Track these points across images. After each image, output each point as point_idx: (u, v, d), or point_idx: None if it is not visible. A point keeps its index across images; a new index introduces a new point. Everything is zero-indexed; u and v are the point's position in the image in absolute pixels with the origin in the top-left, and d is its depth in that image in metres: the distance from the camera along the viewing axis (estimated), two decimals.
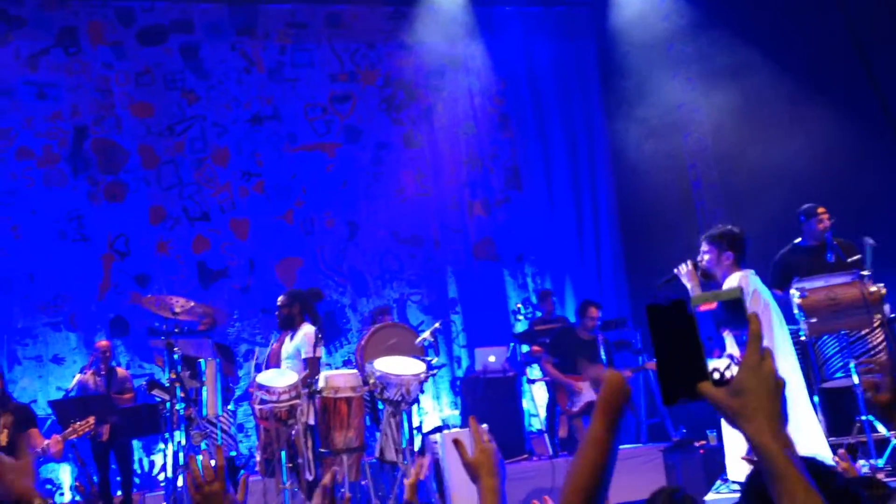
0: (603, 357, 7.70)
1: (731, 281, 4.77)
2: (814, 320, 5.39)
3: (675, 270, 4.97)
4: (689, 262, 4.96)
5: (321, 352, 6.03)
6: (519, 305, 9.47)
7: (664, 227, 9.07)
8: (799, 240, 6.35)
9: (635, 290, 9.92)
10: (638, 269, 9.67)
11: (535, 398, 8.73)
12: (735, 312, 1.17)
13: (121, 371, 7.72)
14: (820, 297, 5.38)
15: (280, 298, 6.35)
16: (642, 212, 9.58)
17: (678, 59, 9.55)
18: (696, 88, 9.52)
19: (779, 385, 1.12)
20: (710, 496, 5.08)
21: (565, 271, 10.30)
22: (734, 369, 1.13)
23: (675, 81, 9.61)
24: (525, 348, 8.68)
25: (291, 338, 6.21)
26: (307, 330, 6.07)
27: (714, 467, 5.96)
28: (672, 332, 1.14)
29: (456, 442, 1.97)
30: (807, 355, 5.61)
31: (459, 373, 9.62)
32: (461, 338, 9.94)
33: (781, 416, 1.11)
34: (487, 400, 7.91)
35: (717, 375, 1.13)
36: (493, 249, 10.33)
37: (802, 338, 5.57)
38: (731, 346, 4.63)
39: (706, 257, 4.96)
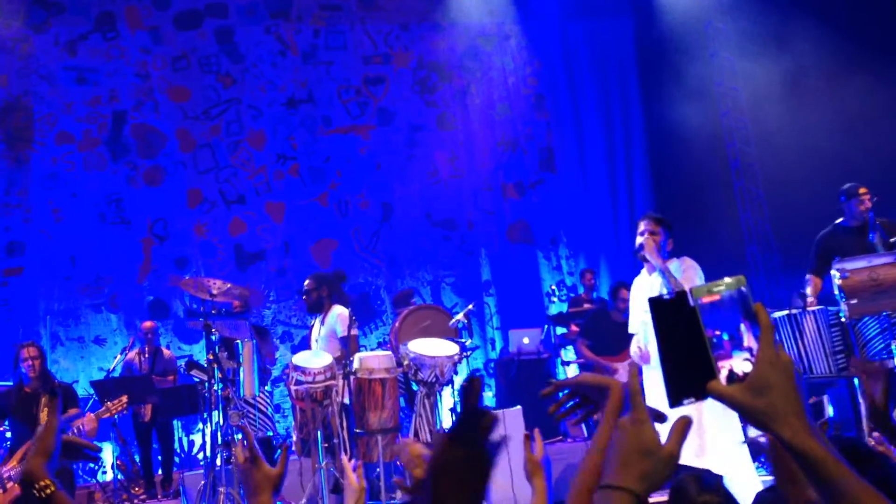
0: None
1: (682, 264, 4.65)
2: (854, 301, 5.28)
3: (641, 239, 4.65)
4: (647, 236, 4.62)
5: (356, 331, 6.06)
6: (553, 287, 9.44)
7: (702, 207, 8.95)
8: (840, 220, 6.22)
9: None
10: (674, 251, 9.56)
11: None
12: (742, 303, 1.08)
13: (166, 352, 7.88)
14: (862, 277, 5.26)
15: (306, 283, 6.32)
16: (679, 192, 9.46)
17: (716, 38, 9.39)
18: (734, 67, 9.36)
19: (796, 377, 1.03)
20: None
21: (600, 253, 10.22)
22: (745, 365, 1.04)
23: (714, 60, 9.46)
24: (561, 330, 8.64)
25: (322, 321, 6.24)
26: (339, 311, 6.09)
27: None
28: (675, 327, 1.06)
29: (527, 436, 1.98)
30: (847, 336, 5.50)
31: (493, 355, 9.63)
32: (495, 320, 9.94)
33: (806, 410, 1.01)
34: (521, 381, 7.91)
35: (725, 372, 1.03)
36: (527, 232, 10.29)
37: (843, 319, 5.47)
38: (749, 340, 4.58)
39: (657, 238, 4.65)
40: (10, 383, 6.90)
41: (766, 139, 8.99)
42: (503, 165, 10.39)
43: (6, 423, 5.52)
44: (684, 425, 1.03)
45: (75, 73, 9.47)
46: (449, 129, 10.32)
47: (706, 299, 1.06)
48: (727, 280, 1.09)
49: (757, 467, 5.21)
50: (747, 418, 1.04)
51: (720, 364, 1.04)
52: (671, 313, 1.07)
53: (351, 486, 2.19)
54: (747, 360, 1.05)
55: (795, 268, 5.92)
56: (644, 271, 4.83)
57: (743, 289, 1.08)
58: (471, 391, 1.03)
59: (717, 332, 1.08)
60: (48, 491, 1.25)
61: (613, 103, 10.47)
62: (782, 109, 8.59)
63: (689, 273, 4.55)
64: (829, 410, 6.85)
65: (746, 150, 9.53)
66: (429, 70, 10.36)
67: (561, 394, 1.73)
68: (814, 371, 5.59)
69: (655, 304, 1.07)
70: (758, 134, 9.28)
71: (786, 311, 5.69)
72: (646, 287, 4.83)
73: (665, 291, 4.43)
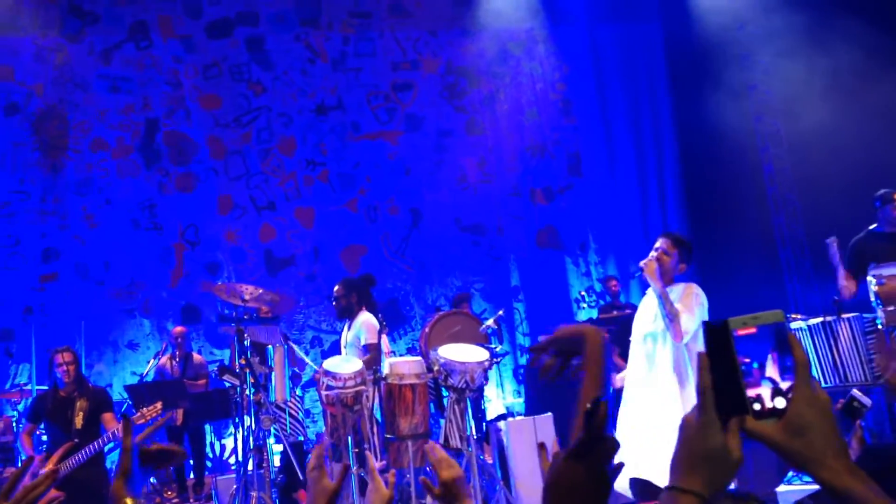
0: None
1: (684, 290, 4.43)
2: (891, 308, 5.20)
3: (641, 264, 4.46)
4: (652, 258, 4.43)
5: (386, 341, 6.07)
6: (582, 293, 9.40)
7: (734, 213, 8.87)
8: (874, 226, 6.11)
9: (703, 276, 9.69)
10: (706, 256, 9.46)
11: None
12: (777, 337, 1.08)
13: (197, 357, 7.96)
14: None
15: (336, 289, 6.31)
16: (711, 197, 9.37)
17: (749, 42, 9.29)
18: (767, 70, 9.25)
19: (832, 414, 1.01)
20: (782, 488, 4.96)
21: (630, 259, 10.14)
22: (779, 400, 1.02)
23: (746, 63, 9.36)
24: None
25: (349, 326, 6.27)
26: (365, 318, 6.09)
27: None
28: (718, 355, 1.04)
29: (541, 445, 1.97)
30: (883, 344, 5.42)
31: (522, 361, 9.60)
32: (524, 326, 9.91)
33: (846, 448, 1.00)
34: (551, 388, 7.86)
35: (757, 406, 1.02)
36: (556, 237, 10.26)
37: (879, 326, 5.38)
38: (772, 370, 4.48)
39: (667, 259, 4.45)
40: (46, 387, 7.04)
41: (800, 143, 8.87)
42: (531, 170, 10.38)
43: (42, 426, 5.60)
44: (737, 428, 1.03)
45: (109, 81, 9.62)
46: (477, 135, 10.32)
47: (742, 331, 1.06)
48: (765, 314, 1.08)
49: (792, 476, 5.14)
50: (785, 459, 1.03)
51: (749, 391, 1.03)
52: (716, 339, 1.05)
53: (378, 489, 2.13)
54: (778, 392, 1.03)
55: (829, 273, 5.82)
56: (650, 290, 4.63)
57: (780, 324, 1.07)
58: (596, 415, 1.04)
59: (748, 360, 1.08)
60: None
61: (643, 108, 10.42)
62: (816, 113, 8.47)
63: (687, 301, 4.35)
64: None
65: (779, 154, 9.42)
66: (457, 76, 10.38)
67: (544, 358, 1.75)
68: (849, 379, 5.51)
69: (707, 327, 1.06)
70: (791, 138, 9.17)
71: (820, 319, 5.61)
72: (645, 307, 4.71)
73: (661, 314, 4.35)
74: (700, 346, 4.19)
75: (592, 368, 1.48)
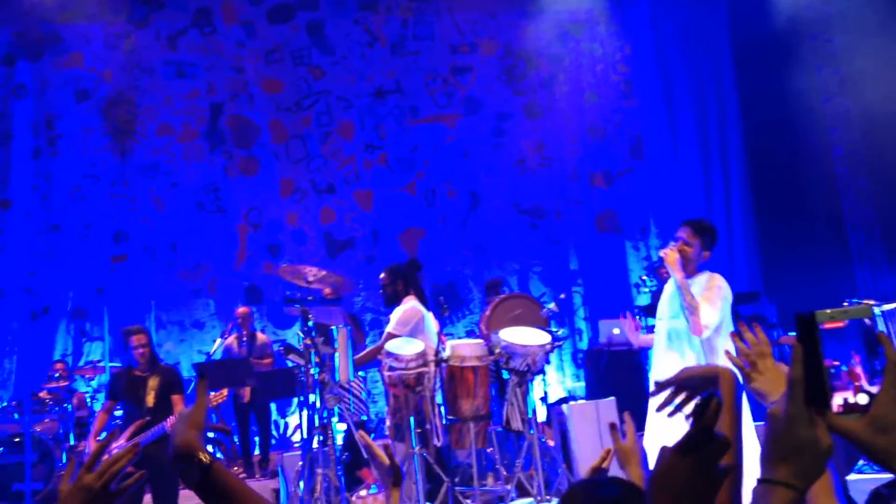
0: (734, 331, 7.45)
1: (707, 281, 4.26)
2: None
3: (661, 254, 4.35)
4: (673, 246, 4.29)
5: (434, 322, 5.99)
6: (643, 278, 9.28)
7: (801, 196, 8.66)
8: None
9: (769, 262, 9.51)
10: (772, 240, 9.28)
11: None
12: (864, 333, 1.06)
13: (261, 336, 8.13)
14: None
15: (381, 276, 6.19)
16: (777, 181, 9.15)
17: (818, 19, 9.02)
18: (836, 50, 8.97)
19: None
20: (852, 476, 4.87)
21: None
22: (861, 396, 1.02)
23: (815, 43, 9.09)
24: (651, 321, 8.50)
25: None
26: (405, 307, 5.88)
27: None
28: (808, 345, 1.03)
29: (612, 426, 1.97)
30: None
31: (582, 345, 9.57)
32: (582, 311, 9.86)
33: None
34: (611, 372, 7.84)
35: (839, 401, 1.02)
36: (615, 221, 10.16)
37: None
38: (858, 372, 4.33)
39: (689, 249, 4.29)
40: (118, 364, 7.28)
41: (871, 125, 8.59)
42: (591, 154, 10.28)
43: (119, 404, 5.78)
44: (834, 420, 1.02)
45: (175, 67, 9.82)
46: (536, 118, 10.26)
47: (829, 325, 1.05)
48: (854, 308, 1.07)
49: (862, 465, 5.04)
50: (868, 455, 1.03)
51: (836, 394, 1.03)
52: (803, 331, 1.05)
53: (384, 464, 2.07)
54: (864, 391, 1.03)
55: None
56: (671, 279, 4.49)
57: (867, 321, 1.06)
58: (707, 411, 1.01)
59: (836, 363, 1.07)
60: (206, 460, 1.31)
61: (707, 88, 10.19)
62: (889, 94, 8.20)
63: (709, 293, 4.18)
64: None
65: (849, 136, 9.14)
66: (516, 58, 10.32)
67: (666, 392, 1.71)
68: None
69: (798, 318, 1.05)
70: (862, 119, 8.88)
71: (894, 305, 5.46)
72: (665, 296, 4.55)
73: (680, 305, 4.16)
74: (724, 340, 4.07)
75: (729, 411, 1.46)
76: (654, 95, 10.33)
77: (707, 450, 1.00)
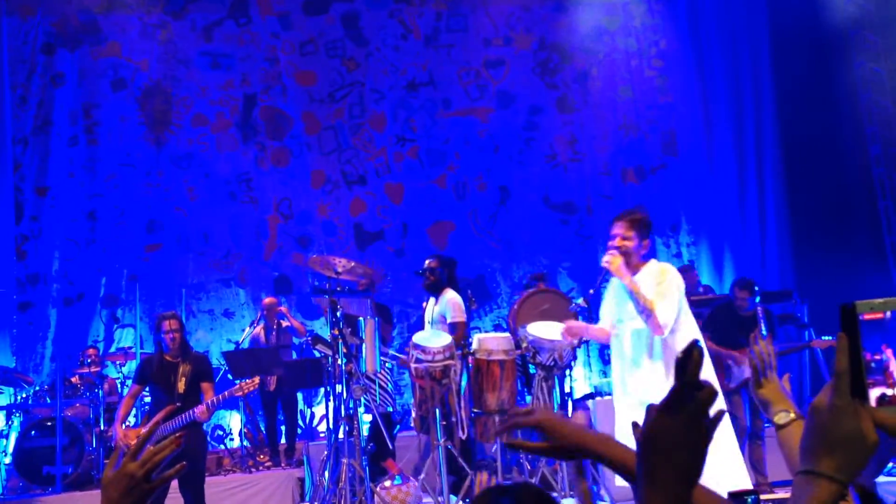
0: (764, 331, 7.34)
1: (657, 274, 4.09)
2: None
3: (604, 264, 4.13)
4: (613, 252, 4.10)
5: (464, 318, 6.11)
6: None
7: (836, 195, 8.51)
8: None
9: (801, 261, 9.34)
10: (805, 239, 9.11)
11: None
12: None
13: (286, 323, 8.18)
14: None
15: (428, 262, 6.37)
16: (812, 179, 8.99)
17: (860, 16, 8.83)
18: (876, 46, 8.78)
19: None
20: (881, 479, 4.77)
21: (724, 241, 9.87)
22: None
23: (854, 39, 8.90)
24: None
25: (436, 302, 6.31)
26: (451, 296, 6.13)
27: (886, 446, 5.58)
28: (851, 337, 1.01)
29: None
30: None
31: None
32: None
33: None
34: None
35: (877, 393, 1.01)
36: None
37: None
38: (893, 364, 4.21)
39: (628, 244, 4.14)
40: (149, 351, 7.37)
41: None
42: (624, 149, 10.18)
43: (147, 388, 5.85)
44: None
45: (210, 58, 9.91)
46: (569, 112, 10.19)
47: (868, 316, 1.03)
48: (894, 299, 1.04)
49: (893, 467, 4.94)
50: None
51: (872, 390, 1.01)
52: (850, 322, 1.02)
53: None
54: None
55: None
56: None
57: None
58: (689, 361, 0.96)
59: (878, 357, 1.04)
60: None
61: (743, 84, 10.00)
62: None
63: (662, 288, 4.01)
64: None
65: (887, 135, 8.95)
66: (550, 52, 10.25)
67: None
68: None
69: (841, 309, 1.03)
70: None
71: None
72: (614, 296, 4.35)
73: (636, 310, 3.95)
74: (682, 335, 3.92)
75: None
76: (690, 91, 10.19)
77: (694, 402, 0.97)
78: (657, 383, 3.96)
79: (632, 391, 4.13)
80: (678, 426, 0.97)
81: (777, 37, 9.65)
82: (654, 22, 10.22)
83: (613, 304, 4.35)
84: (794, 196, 9.59)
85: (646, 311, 3.97)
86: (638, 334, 4.12)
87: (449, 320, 6.08)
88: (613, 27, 10.22)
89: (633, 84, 10.24)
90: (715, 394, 0.97)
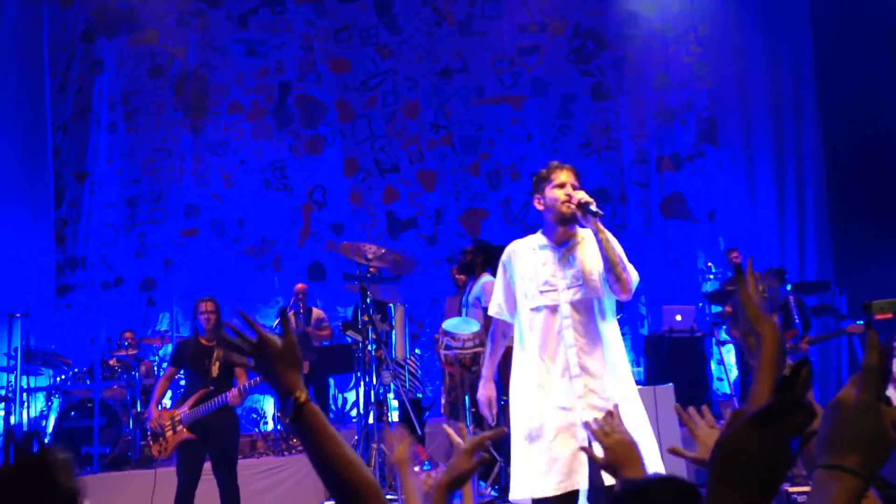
0: (796, 320, 7.22)
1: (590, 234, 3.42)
2: None
3: (573, 206, 3.40)
4: (582, 194, 3.38)
5: None
6: (709, 264, 9.07)
7: (876, 184, 8.29)
8: None
9: (841, 251, 9.15)
10: (844, 229, 8.92)
11: (725, 360, 8.37)
12: None
13: (316, 311, 8.25)
14: None
15: (469, 248, 6.51)
16: (852, 168, 8.78)
17: None
18: None
19: None
20: None
21: (762, 230, 9.70)
22: None
23: None
24: (716, 308, 8.32)
25: (470, 287, 6.31)
26: (487, 279, 6.12)
27: None
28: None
29: (679, 409, 1.96)
30: None
31: (643, 331, 9.41)
32: (643, 296, 9.68)
33: None
34: (672, 359, 7.70)
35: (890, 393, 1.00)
36: (683, 206, 9.92)
37: None
38: None
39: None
40: (185, 335, 7.48)
41: None
42: (659, 137, 10.04)
43: (181, 371, 5.93)
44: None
45: (245, 45, 9.98)
46: (604, 100, 10.08)
47: (880, 316, 1.00)
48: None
49: None
50: None
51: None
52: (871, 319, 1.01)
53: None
54: None
55: None
56: (532, 244, 3.58)
57: None
58: (798, 379, 0.92)
59: None
60: (302, 400, 1.43)
61: (783, 72, 9.78)
62: None
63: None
64: None
65: None
66: (585, 38, 10.13)
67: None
68: None
69: (864, 307, 1.01)
70: None
71: None
72: (541, 270, 3.48)
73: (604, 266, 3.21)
74: (611, 321, 3.30)
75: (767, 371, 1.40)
76: (728, 78, 10.00)
77: (791, 419, 0.93)
78: (604, 371, 3.27)
79: (565, 384, 3.25)
80: (766, 440, 0.94)
81: (819, 25, 9.42)
82: (693, 9, 10.03)
83: (538, 277, 3.44)
84: (834, 185, 9.38)
85: (621, 263, 3.27)
86: (575, 307, 3.33)
87: (484, 304, 6.07)
88: (650, 13, 10.06)
89: (669, 70, 10.08)
90: (814, 417, 0.94)
